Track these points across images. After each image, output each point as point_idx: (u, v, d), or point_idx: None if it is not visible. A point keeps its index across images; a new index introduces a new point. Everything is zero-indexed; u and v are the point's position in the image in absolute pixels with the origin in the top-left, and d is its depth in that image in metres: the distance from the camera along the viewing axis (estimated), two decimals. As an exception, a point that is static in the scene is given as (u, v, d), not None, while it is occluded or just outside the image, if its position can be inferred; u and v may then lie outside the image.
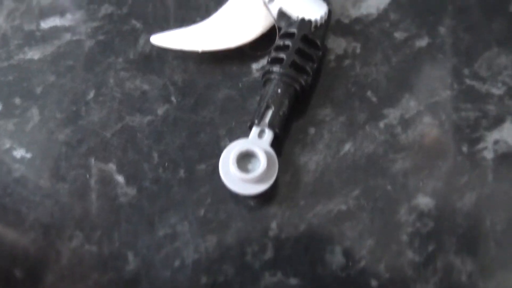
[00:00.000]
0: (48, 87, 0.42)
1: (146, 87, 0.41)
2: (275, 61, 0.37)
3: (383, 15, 0.43)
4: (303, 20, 0.38)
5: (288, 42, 0.38)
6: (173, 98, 0.40)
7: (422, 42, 0.41)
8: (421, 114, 0.39)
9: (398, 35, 0.42)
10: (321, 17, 0.38)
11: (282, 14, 0.40)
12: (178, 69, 0.41)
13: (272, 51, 0.39)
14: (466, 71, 0.40)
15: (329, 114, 0.39)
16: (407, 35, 0.42)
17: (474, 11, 0.43)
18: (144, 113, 0.40)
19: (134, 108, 0.40)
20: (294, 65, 0.37)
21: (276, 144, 0.37)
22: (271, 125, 0.36)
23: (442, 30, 0.42)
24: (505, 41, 0.41)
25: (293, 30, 0.38)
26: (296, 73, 0.37)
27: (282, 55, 0.37)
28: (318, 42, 0.38)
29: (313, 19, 0.38)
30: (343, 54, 0.41)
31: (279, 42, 0.38)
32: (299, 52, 0.37)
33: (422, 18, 0.43)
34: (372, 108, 0.39)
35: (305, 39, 0.38)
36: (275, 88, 0.36)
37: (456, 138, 0.38)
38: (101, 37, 0.44)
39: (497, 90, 0.39)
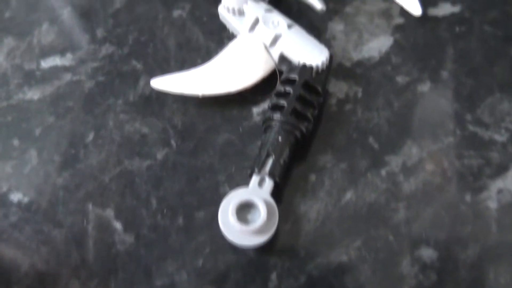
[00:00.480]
0: (47, 129, 0.41)
1: (145, 130, 0.41)
2: (276, 108, 0.37)
3: (384, 59, 0.43)
4: (304, 66, 0.38)
5: (289, 88, 0.37)
6: (172, 142, 0.40)
7: (424, 87, 0.41)
8: (423, 161, 0.38)
9: (400, 79, 0.42)
10: (323, 63, 0.38)
11: (283, 58, 0.40)
12: (178, 112, 0.41)
13: (273, 96, 0.38)
14: (468, 117, 0.40)
15: (330, 161, 0.38)
16: (409, 79, 0.42)
17: (476, 54, 0.42)
18: (143, 157, 0.39)
19: (133, 152, 0.40)
20: (295, 112, 0.37)
21: (276, 191, 0.36)
22: (271, 174, 0.35)
23: (444, 74, 0.42)
24: (508, 86, 0.41)
25: (294, 76, 0.38)
26: (297, 121, 0.36)
27: (283, 102, 0.37)
28: (320, 89, 0.38)
29: (314, 64, 0.38)
30: (344, 98, 0.41)
31: (280, 88, 0.38)
32: (300, 98, 0.37)
33: (424, 62, 0.42)
34: (373, 155, 0.39)
35: (306, 85, 0.37)
36: (275, 136, 0.36)
37: (459, 187, 0.37)
38: (101, 78, 0.43)
39: (500, 137, 0.39)
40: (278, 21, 0.40)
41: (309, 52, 0.38)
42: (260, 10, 0.40)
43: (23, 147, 0.41)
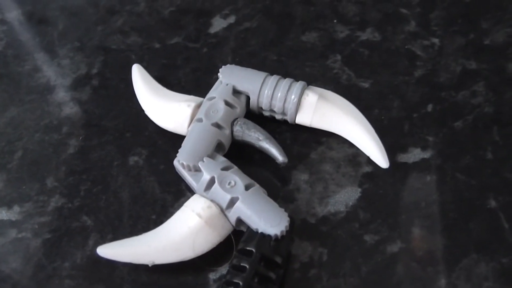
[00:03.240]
0: (-15, 298, 0.38)
1: (91, 301, 0.37)
2: (231, 284, 0.34)
3: (351, 213, 0.40)
4: (262, 236, 0.35)
5: (244, 263, 0.34)
6: (120, 317, 0.36)
7: (394, 247, 0.38)
8: None
9: (369, 238, 0.39)
10: (282, 232, 0.35)
11: (241, 222, 0.37)
12: (129, 278, 0.38)
13: (229, 268, 0.35)
14: (443, 283, 0.37)
15: None
16: (378, 238, 0.39)
17: (449, 208, 0.40)
18: (86, 335, 0.36)
19: (76, 328, 0.36)
20: (251, 292, 0.33)
21: None
22: None
23: (415, 232, 0.39)
24: (485, 245, 0.38)
25: (251, 248, 0.35)
26: (254, 302, 0.33)
27: (238, 280, 0.34)
28: (279, 261, 0.35)
29: (273, 234, 0.35)
30: (308, 262, 0.38)
31: (235, 261, 0.35)
32: (257, 274, 0.34)
33: (393, 217, 0.39)
34: (340, 332, 0.35)
35: (264, 258, 0.34)
36: (229, 321, 0.33)
37: None
38: (48, 236, 0.40)
39: (478, 309, 0.36)
40: (235, 181, 0.37)
41: (268, 220, 0.36)
42: (216, 169, 0.38)
43: (-43, 321, 0.37)
